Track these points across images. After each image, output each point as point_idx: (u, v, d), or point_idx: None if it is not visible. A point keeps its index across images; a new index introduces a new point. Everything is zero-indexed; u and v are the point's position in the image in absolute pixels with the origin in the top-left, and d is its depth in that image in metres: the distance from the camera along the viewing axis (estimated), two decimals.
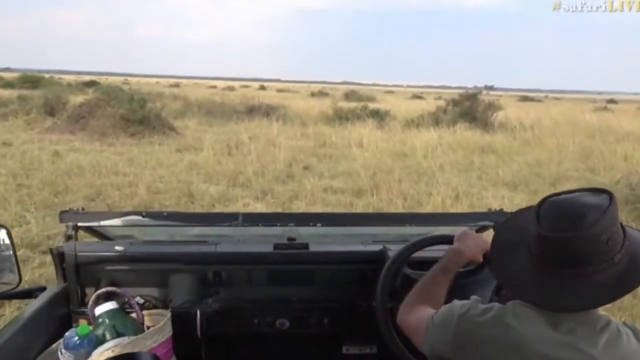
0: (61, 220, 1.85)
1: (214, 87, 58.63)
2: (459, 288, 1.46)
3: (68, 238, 1.85)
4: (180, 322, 1.73)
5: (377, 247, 1.94)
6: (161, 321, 1.63)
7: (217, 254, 1.92)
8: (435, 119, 18.37)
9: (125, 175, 8.56)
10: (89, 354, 1.49)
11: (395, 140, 13.69)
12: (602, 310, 1.10)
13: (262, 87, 64.03)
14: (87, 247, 1.88)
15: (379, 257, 1.84)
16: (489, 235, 1.70)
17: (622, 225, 1.08)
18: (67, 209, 1.88)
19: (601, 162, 11.37)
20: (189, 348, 1.81)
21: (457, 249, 1.49)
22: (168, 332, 1.65)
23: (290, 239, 1.99)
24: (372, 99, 34.47)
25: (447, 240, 1.60)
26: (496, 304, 1.15)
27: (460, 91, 21.84)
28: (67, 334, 1.54)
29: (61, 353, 1.51)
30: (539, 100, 52.89)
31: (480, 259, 1.51)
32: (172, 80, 76.86)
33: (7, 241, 1.71)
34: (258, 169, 9.24)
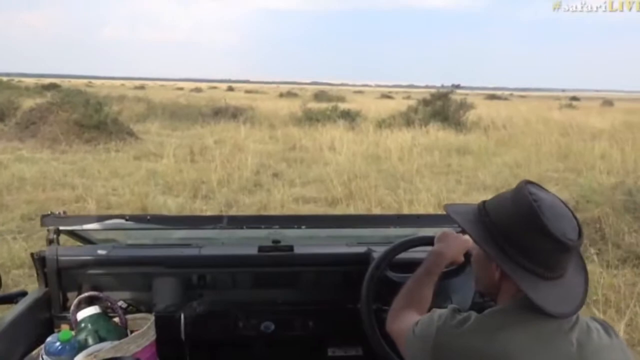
0: (42, 224, 1.81)
1: (181, 88, 57.20)
2: (442, 289, 1.53)
3: (50, 242, 1.81)
4: (164, 326, 1.70)
5: (361, 249, 1.92)
6: (145, 325, 1.59)
7: (201, 257, 1.89)
8: (407, 119, 17.87)
9: (74, 188, 7.64)
10: (71, 359, 1.45)
11: (368, 142, 13.04)
12: None
13: (231, 89, 62.97)
14: (69, 251, 1.85)
15: (363, 259, 1.82)
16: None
17: None
18: (49, 212, 1.83)
19: (580, 161, 10.98)
20: (173, 352, 1.77)
21: (438, 251, 1.49)
22: (152, 336, 1.61)
23: (275, 242, 1.95)
24: (341, 99, 33.99)
25: (430, 241, 1.60)
26: (473, 313, 1.15)
27: (430, 90, 21.43)
28: (48, 339, 1.51)
29: (43, 359, 1.47)
30: (505, 99, 53.29)
31: (462, 259, 1.51)
32: (138, 82, 74.76)
33: None
34: (223, 178, 8.45)
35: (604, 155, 11.48)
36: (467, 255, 1.50)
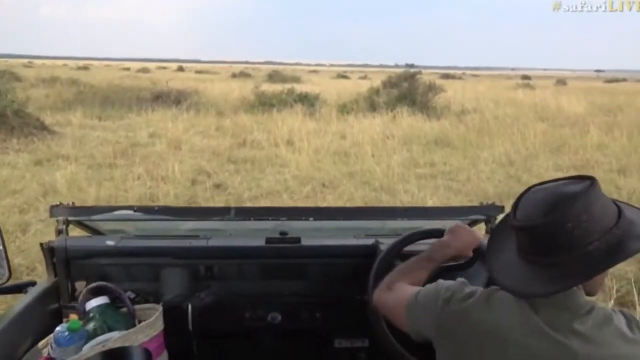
0: (51, 215, 1.79)
1: (128, 69, 53.09)
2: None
3: (58, 233, 1.80)
4: (172, 316, 1.66)
5: (369, 241, 1.89)
6: (153, 315, 1.57)
7: (208, 248, 1.87)
8: (371, 103, 15.83)
9: None
10: (79, 349, 1.43)
11: (333, 133, 10.92)
12: None
13: (181, 69, 58.95)
14: (77, 241, 1.84)
15: (371, 251, 1.79)
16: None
17: (619, 212, 1.02)
18: (58, 203, 1.80)
19: (578, 154, 9.26)
20: (181, 342, 1.74)
21: (445, 241, 1.46)
22: (159, 326, 1.58)
23: (283, 233, 1.92)
24: (296, 79, 31.75)
25: (439, 234, 1.57)
26: (480, 288, 1.13)
27: (384, 70, 19.46)
28: (57, 329, 1.48)
29: (52, 348, 1.45)
30: (459, 78, 52.14)
31: (470, 254, 1.48)
32: (82, 63, 69.37)
33: None
34: (145, 193, 6.18)
35: (600, 146, 9.81)
36: (477, 250, 1.46)
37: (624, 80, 54.99)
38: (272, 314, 1.82)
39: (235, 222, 1.90)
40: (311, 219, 1.91)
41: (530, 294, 1.03)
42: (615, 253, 0.98)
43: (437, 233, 1.57)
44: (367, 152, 8.95)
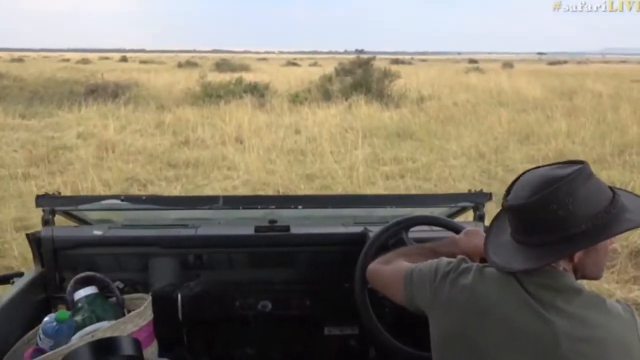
0: (37, 205, 1.76)
1: (67, 60, 49.78)
2: None
3: (45, 223, 1.77)
4: (161, 305, 1.62)
5: (358, 229, 1.89)
6: (142, 305, 1.52)
7: (197, 237, 1.86)
8: (325, 92, 14.85)
9: None
10: (68, 339, 1.40)
11: (286, 127, 9.90)
12: None
13: (124, 59, 55.91)
14: (64, 231, 1.82)
15: (360, 239, 1.78)
16: None
17: (614, 196, 1.03)
18: (44, 193, 1.79)
19: (548, 143, 8.62)
20: (171, 331, 1.73)
21: (455, 240, 1.46)
22: (149, 315, 1.52)
23: (272, 222, 1.90)
24: (245, 67, 30.32)
25: (426, 221, 1.66)
26: (475, 265, 1.15)
27: (335, 56, 18.51)
28: (45, 319, 1.44)
29: (40, 339, 1.42)
30: (409, 63, 51.88)
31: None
32: (17, 54, 64.77)
33: None
34: None
35: (570, 134, 9.22)
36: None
37: (565, 62, 56.37)
38: (262, 302, 1.82)
39: (224, 210, 1.89)
40: (300, 207, 1.89)
41: (508, 269, 1.06)
42: (598, 235, 1.01)
43: (426, 220, 1.67)
44: (325, 149, 7.99)
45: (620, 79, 23.12)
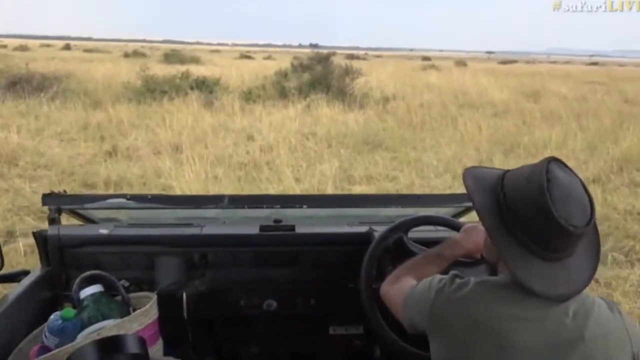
0: (44, 203, 1.73)
1: (5, 46, 45.72)
2: None
3: (51, 221, 1.74)
4: (167, 304, 1.61)
5: (363, 229, 1.88)
6: (147, 303, 1.50)
7: (202, 236, 1.85)
8: (281, 90, 13.37)
9: None
10: (73, 337, 1.38)
11: (237, 132, 8.41)
12: None
13: (67, 47, 52.23)
14: (70, 230, 1.81)
15: (365, 239, 1.77)
16: None
17: None
18: (50, 191, 1.73)
19: (538, 155, 7.55)
20: (176, 330, 1.72)
21: (456, 240, 1.43)
22: (154, 314, 1.51)
23: (277, 221, 1.90)
24: (196, 60, 28.37)
25: (432, 221, 1.63)
26: (472, 279, 1.09)
27: (288, 50, 17.09)
28: (51, 317, 1.44)
29: (46, 337, 1.40)
30: (363, 58, 50.86)
31: (478, 256, 1.40)
32: None
33: None
34: None
35: (558, 145, 8.19)
36: (483, 258, 1.33)
37: (515, 61, 56.89)
38: (267, 301, 1.81)
39: (229, 210, 1.88)
40: (305, 206, 1.83)
41: (548, 295, 1.00)
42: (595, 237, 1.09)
43: (432, 220, 1.65)
44: (283, 162, 6.58)
45: (574, 80, 22.82)
